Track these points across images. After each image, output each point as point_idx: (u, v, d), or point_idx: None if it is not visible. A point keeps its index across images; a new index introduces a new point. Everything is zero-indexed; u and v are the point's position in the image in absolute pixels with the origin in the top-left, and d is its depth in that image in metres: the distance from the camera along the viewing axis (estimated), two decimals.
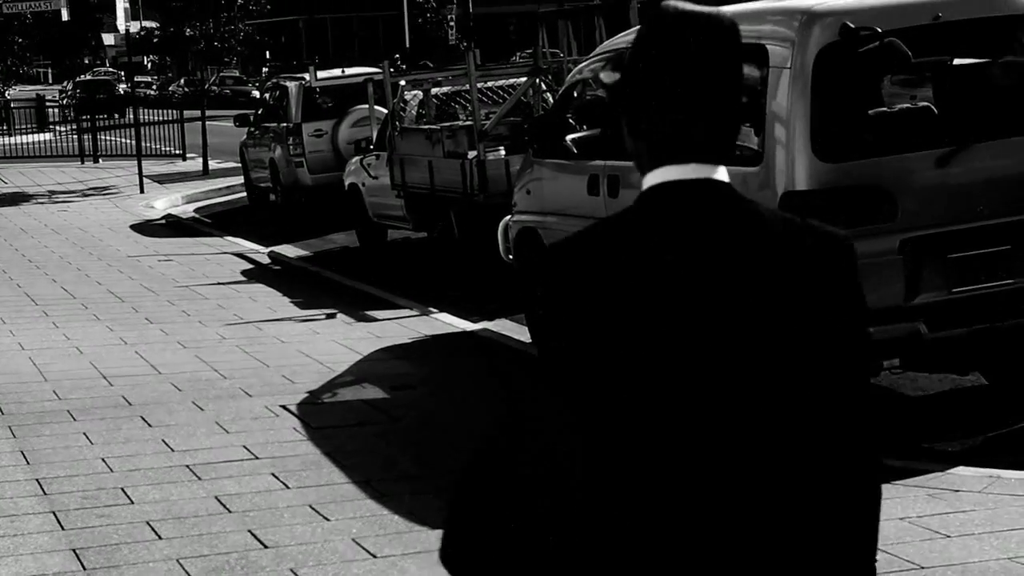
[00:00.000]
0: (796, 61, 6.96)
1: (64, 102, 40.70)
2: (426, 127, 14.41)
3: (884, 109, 7.14)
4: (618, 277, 2.04)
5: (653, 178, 2.18)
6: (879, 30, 6.82)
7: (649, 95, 2.14)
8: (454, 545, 2.13)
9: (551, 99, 13.04)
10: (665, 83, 2.12)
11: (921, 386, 7.93)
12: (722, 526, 2.01)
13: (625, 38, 9.09)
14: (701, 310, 2.02)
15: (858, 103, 7.10)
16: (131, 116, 26.83)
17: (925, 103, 7.17)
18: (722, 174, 2.12)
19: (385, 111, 15.98)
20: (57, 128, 35.96)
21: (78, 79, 54.02)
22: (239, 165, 22.39)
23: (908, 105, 7.18)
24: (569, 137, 9.22)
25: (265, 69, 56.77)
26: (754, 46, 7.30)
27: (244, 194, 21.63)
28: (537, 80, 13.68)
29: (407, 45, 53.59)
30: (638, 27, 8.86)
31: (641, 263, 2.04)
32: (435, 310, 11.16)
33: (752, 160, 7.19)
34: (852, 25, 6.86)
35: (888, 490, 5.87)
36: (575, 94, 9.77)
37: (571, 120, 9.53)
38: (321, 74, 19.96)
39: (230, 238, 16.76)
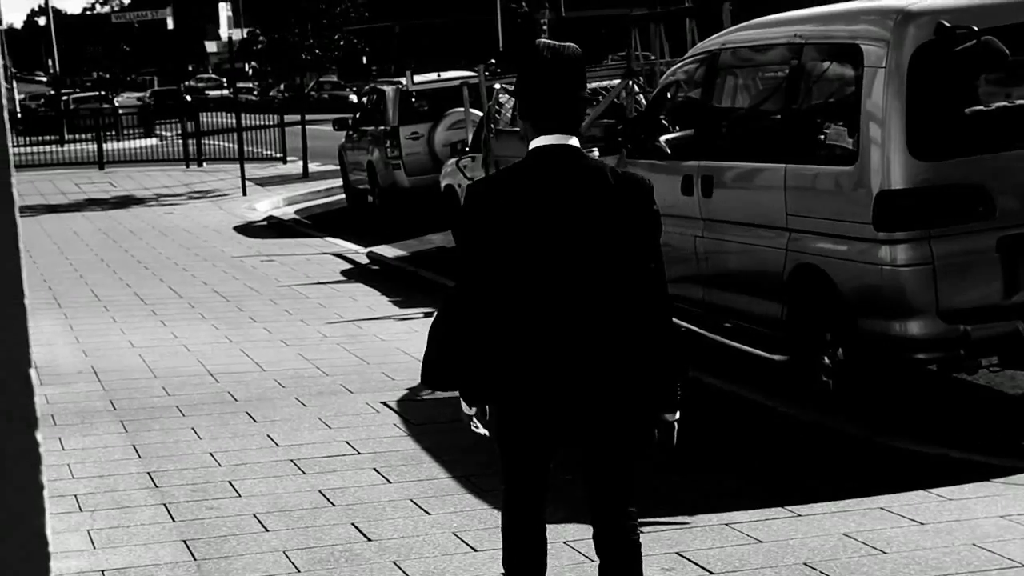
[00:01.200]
0: (891, 60, 6.98)
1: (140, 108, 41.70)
2: (520, 129, 14.54)
3: (980, 108, 7.13)
4: (502, 196, 3.90)
5: (535, 143, 3.94)
6: (975, 28, 6.82)
7: (532, 95, 3.94)
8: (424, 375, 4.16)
9: (644, 101, 13.12)
10: (540, 88, 3.92)
11: (1020, 384, 7.90)
12: (549, 335, 3.85)
13: (719, 39, 9.15)
14: (551, 208, 3.85)
15: (954, 102, 7.09)
16: (234, 121, 27.29)
17: (1022, 101, 7.15)
18: (574, 141, 3.94)
19: (480, 114, 16.16)
20: (163, 133, 36.69)
21: (155, 89, 55.10)
22: (338, 168, 22.73)
23: (1005, 103, 7.17)
24: (663, 138, 9.29)
25: (373, 72, 57.33)
26: (848, 46, 7.33)
27: (343, 196, 21.95)
28: (630, 82, 13.76)
29: (501, 49, 53.83)
30: (728, 28, 9.14)
31: (520, 184, 3.91)
32: None
33: (847, 159, 7.22)
34: (948, 24, 6.87)
35: (987, 488, 5.91)
36: (668, 95, 9.84)
37: (664, 121, 9.60)
38: (417, 78, 20.21)
39: (330, 239, 17.04)
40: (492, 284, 3.88)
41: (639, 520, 4.33)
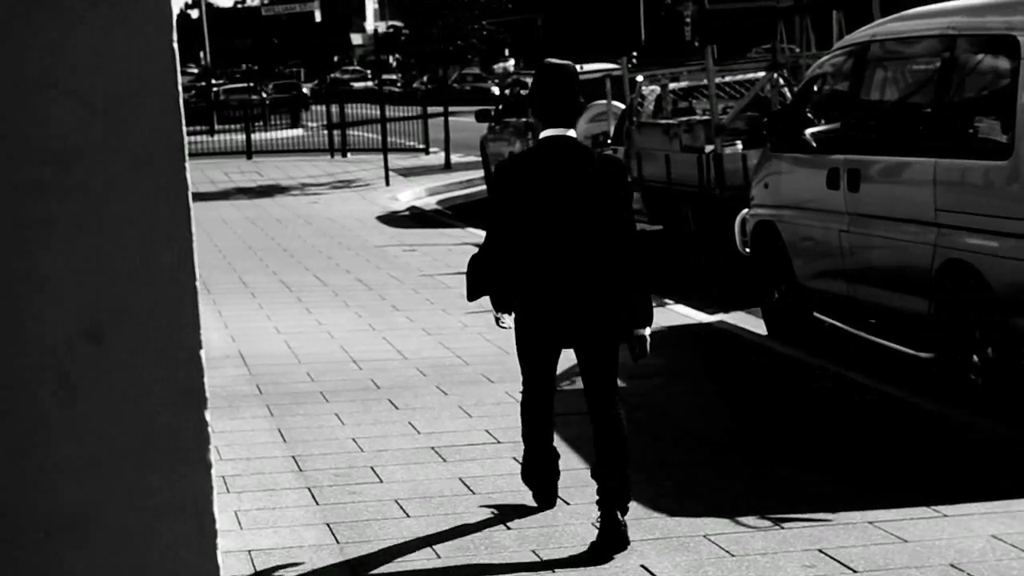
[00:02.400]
0: None
1: (266, 100, 42.45)
2: (663, 122, 14.49)
3: None
4: (523, 170, 5.52)
5: (544, 134, 5.51)
6: None
7: (542, 100, 5.51)
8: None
9: (789, 94, 12.96)
10: (547, 95, 5.50)
11: None
12: (554, 272, 5.41)
13: (868, 31, 9.00)
14: (555, 182, 5.41)
15: None
16: (378, 112, 27.66)
17: None
18: (571, 132, 5.49)
19: (623, 106, 16.13)
20: (309, 124, 37.32)
21: (277, 82, 56.01)
22: (479, 159, 22.87)
23: None
24: (808, 131, 9.18)
25: (519, 65, 57.49)
26: (1003, 37, 7.16)
27: (484, 187, 22.09)
28: (775, 75, 13.61)
29: (643, 42, 53.58)
30: (878, 20, 9.15)
31: (531, 166, 5.51)
32: (671, 301, 11.24)
33: (1000, 154, 7.06)
34: None
35: None
36: (815, 88, 9.72)
37: (809, 114, 9.49)
38: None
39: (471, 229, 17.16)
40: (512, 232, 5.53)
41: (778, 516, 5.33)
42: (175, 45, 1.43)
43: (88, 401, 1.44)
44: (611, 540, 5.42)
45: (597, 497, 5.50)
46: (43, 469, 1.43)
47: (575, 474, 6.46)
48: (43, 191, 1.45)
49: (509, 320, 5.70)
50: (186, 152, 1.46)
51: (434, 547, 5.55)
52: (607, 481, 5.49)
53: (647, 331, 5.47)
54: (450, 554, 5.47)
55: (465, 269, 5.94)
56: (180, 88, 1.44)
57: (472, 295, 5.87)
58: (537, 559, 5.38)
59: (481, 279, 5.75)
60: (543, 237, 5.44)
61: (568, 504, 6.04)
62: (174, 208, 1.45)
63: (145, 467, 1.45)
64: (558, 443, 6.91)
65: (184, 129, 1.46)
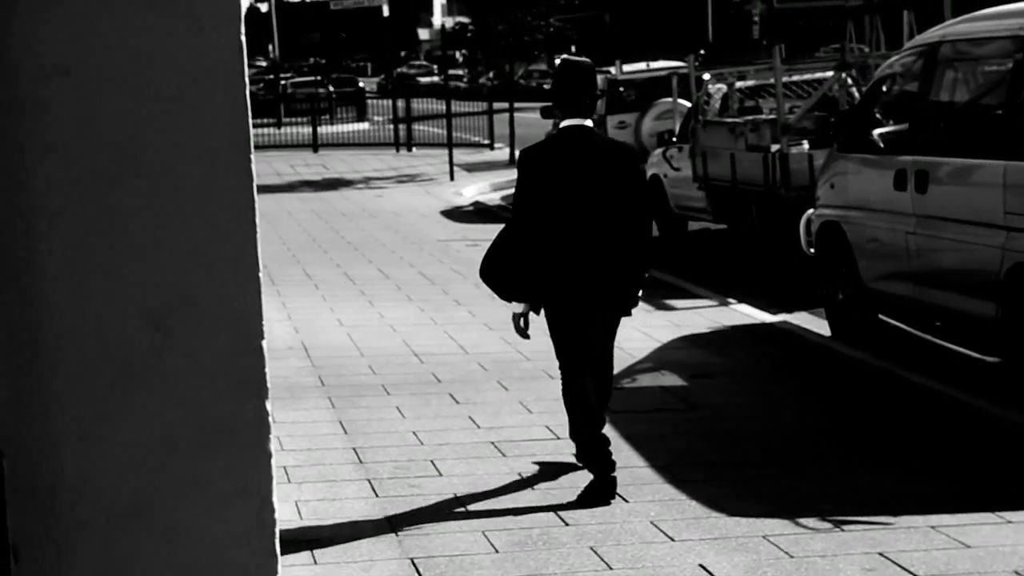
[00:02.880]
0: None
1: (333, 94, 42.65)
2: (729, 120, 14.42)
3: None
4: (543, 156, 6.13)
5: (563, 124, 6.11)
6: None
7: (561, 93, 6.15)
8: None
9: (857, 94, 12.85)
10: (566, 87, 6.14)
11: None
12: (575, 249, 6.00)
13: (939, 31, 8.91)
14: (572, 167, 6.02)
15: None
16: (444, 107, 27.75)
17: None
18: (588, 122, 6.08)
19: (689, 104, 16.07)
20: (375, 118, 37.51)
21: (333, 76, 56.18)
22: None
23: None
24: (876, 132, 9.10)
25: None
26: None
27: None
28: (843, 75, 13.50)
29: (710, 39, 53.33)
30: (949, 20, 9.11)
31: (552, 154, 6.12)
32: (734, 301, 11.19)
33: None
34: None
35: None
36: (883, 89, 9.63)
37: (878, 115, 9.41)
38: (626, 67, 20.20)
39: None
40: (535, 211, 6.09)
41: (839, 518, 5.50)
42: (243, 39, 1.45)
43: (151, 389, 1.46)
44: (609, 483, 6.07)
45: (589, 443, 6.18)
46: (106, 455, 1.45)
47: (633, 472, 6.45)
48: (111, 181, 1.47)
49: (530, 318, 6.29)
50: (251, 145, 1.48)
51: (492, 541, 5.56)
52: (598, 429, 6.15)
53: (640, 292, 6.25)
54: (508, 549, 5.48)
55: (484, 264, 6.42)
56: (247, 81, 1.46)
57: (488, 279, 6.37)
58: (595, 555, 5.38)
59: (501, 268, 6.26)
60: (561, 216, 6.05)
61: (627, 502, 6.03)
62: (239, 200, 1.47)
63: (206, 455, 1.47)
64: (616, 440, 6.91)
65: (250, 122, 1.47)
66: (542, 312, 6.25)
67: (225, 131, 1.46)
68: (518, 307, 6.26)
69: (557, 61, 6.46)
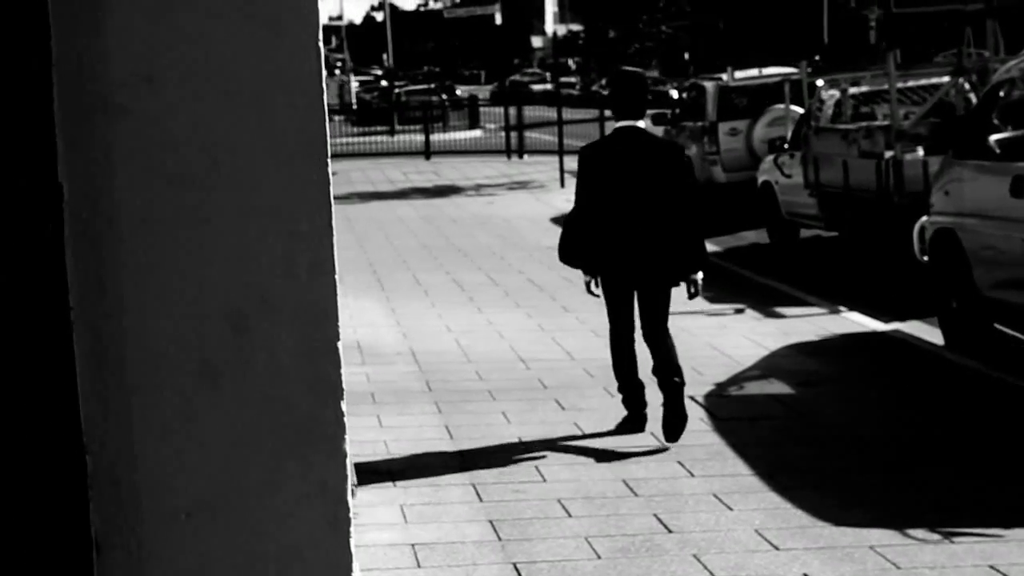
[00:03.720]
0: None
1: (446, 102, 42.83)
2: (842, 127, 14.24)
3: None
4: (599, 155, 7.28)
5: (617, 124, 7.27)
6: None
7: (616, 97, 7.28)
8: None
9: (974, 99, 12.61)
10: (620, 93, 7.25)
11: None
12: (624, 231, 7.10)
13: None
14: (626, 165, 7.12)
15: None
16: (555, 114, 27.79)
17: None
18: (640, 123, 7.20)
19: (801, 111, 15.90)
20: (487, 125, 37.71)
21: (408, 87, 56.28)
22: None
23: None
24: (993, 138, 8.93)
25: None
26: None
27: None
28: (960, 80, 13.25)
29: (826, 45, 52.68)
30: None
31: (608, 150, 7.27)
32: (844, 309, 11.05)
33: None
34: None
35: None
36: (1001, 94, 9.44)
37: (995, 121, 9.22)
38: (738, 74, 20.05)
39: None
40: (593, 199, 7.19)
41: (948, 529, 5.54)
42: (320, 44, 1.48)
43: (229, 387, 1.49)
44: (679, 418, 7.09)
45: (662, 389, 7.19)
46: (184, 451, 1.48)
47: (738, 480, 6.40)
48: (193, 186, 1.51)
49: (597, 289, 7.34)
50: (328, 149, 1.50)
51: (595, 547, 5.56)
52: (667, 380, 7.15)
53: (699, 275, 7.17)
54: (611, 555, 5.47)
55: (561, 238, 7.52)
56: (324, 87, 1.49)
57: (564, 259, 7.53)
58: (698, 563, 5.35)
59: (572, 245, 7.37)
60: (616, 203, 7.12)
61: (731, 510, 5.99)
62: (316, 203, 1.50)
63: (282, 454, 1.50)
64: (722, 447, 6.86)
65: (327, 127, 1.50)
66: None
67: (303, 135, 1.48)
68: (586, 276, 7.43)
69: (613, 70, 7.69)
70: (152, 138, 1.48)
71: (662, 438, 7.18)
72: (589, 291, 7.43)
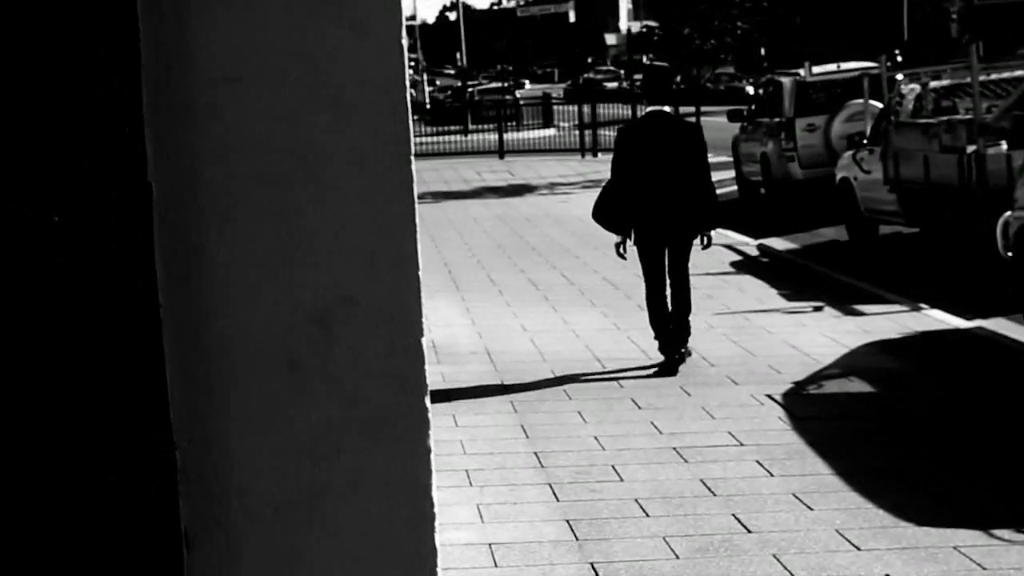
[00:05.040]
0: None
1: (519, 101, 42.74)
2: (922, 121, 14.06)
3: None
4: (633, 134, 9.10)
5: (648, 109, 9.16)
6: None
7: (648, 86, 9.84)
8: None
9: None
10: (652, 83, 9.87)
11: None
12: (657, 198, 8.82)
13: None
14: (656, 142, 8.85)
15: None
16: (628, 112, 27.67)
17: None
18: (667, 108, 9.15)
19: (880, 105, 15.73)
20: (561, 124, 37.71)
21: (479, 86, 56.08)
22: (729, 159, 22.65)
23: None
24: None
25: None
26: None
27: (734, 188, 21.86)
28: None
29: (905, 38, 52.08)
30: None
31: (640, 130, 9.09)
32: (926, 306, 10.91)
33: None
34: None
35: None
36: None
37: None
38: (816, 69, 19.88)
39: (720, 231, 17.00)
40: (628, 172, 8.80)
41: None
42: (404, 43, 1.48)
43: (315, 384, 1.50)
44: (672, 364, 8.67)
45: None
46: (274, 447, 1.50)
47: (819, 479, 6.34)
48: (279, 186, 1.52)
49: (625, 251, 8.87)
50: (412, 148, 1.51)
51: (673, 547, 5.53)
52: (676, 328, 8.80)
53: (712, 232, 9.04)
54: (689, 555, 5.44)
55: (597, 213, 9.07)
56: (407, 86, 1.49)
57: (597, 219, 9.06)
58: (778, 563, 5.31)
59: (607, 211, 8.92)
60: (647, 175, 8.74)
61: (812, 510, 5.93)
62: (399, 203, 1.50)
63: (367, 450, 1.51)
64: (802, 447, 6.81)
65: (411, 127, 1.51)
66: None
67: (387, 134, 1.49)
68: (616, 238, 8.88)
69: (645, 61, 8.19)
70: (239, 139, 1.49)
71: (740, 438, 7.14)
72: (618, 253, 8.88)
